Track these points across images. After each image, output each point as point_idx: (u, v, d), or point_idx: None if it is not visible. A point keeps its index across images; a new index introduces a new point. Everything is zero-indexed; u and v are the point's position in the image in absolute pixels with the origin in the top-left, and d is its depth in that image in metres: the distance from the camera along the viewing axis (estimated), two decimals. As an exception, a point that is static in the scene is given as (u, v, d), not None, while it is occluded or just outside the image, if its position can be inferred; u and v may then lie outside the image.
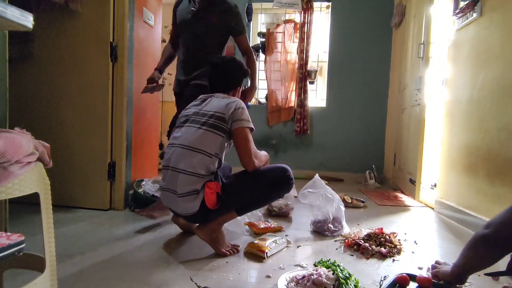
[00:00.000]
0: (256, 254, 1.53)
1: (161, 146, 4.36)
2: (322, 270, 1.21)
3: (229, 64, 1.71)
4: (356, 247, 1.64)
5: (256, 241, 1.60)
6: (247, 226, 1.89)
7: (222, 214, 1.53)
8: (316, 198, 1.94)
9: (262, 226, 1.88)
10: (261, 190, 1.55)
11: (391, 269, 1.44)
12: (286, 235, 1.82)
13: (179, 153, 1.49)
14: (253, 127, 1.56)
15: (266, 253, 1.52)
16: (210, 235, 1.54)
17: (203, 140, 1.47)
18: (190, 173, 1.44)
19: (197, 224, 1.60)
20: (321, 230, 1.87)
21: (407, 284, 1.23)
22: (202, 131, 1.49)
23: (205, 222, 1.55)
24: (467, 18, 2.20)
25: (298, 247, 1.69)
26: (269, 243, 1.57)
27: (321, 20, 4.17)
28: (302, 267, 1.42)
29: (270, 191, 1.57)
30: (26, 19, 0.92)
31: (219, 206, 1.48)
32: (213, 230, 1.54)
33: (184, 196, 1.44)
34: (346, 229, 1.89)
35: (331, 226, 1.86)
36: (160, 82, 2.15)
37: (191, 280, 1.25)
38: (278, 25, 4.12)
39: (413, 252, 1.65)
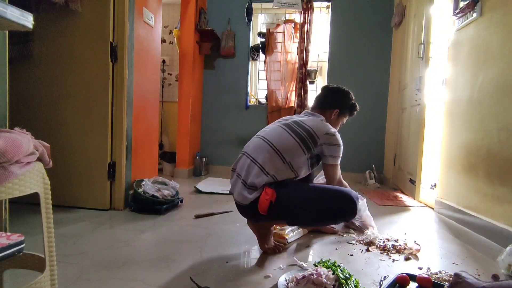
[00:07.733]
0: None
1: (161, 146, 4.34)
2: (322, 270, 1.21)
3: (336, 87, 1.87)
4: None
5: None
6: None
7: (271, 220, 1.56)
8: None
9: None
10: (318, 216, 1.52)
11: (391, 269, 1.44)
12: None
13: (260, 147, 1.58)
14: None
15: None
16: (259, 230, 1.61)
17: (289, 150, 1.56)
18: (262, 170, 1.52)
19: None
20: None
21: (407, 284, 1.23)
22: (292, 139, 1.58)
23: (254, 220, 1.59)
24: (467, 18, 2.20)
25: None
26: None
27: (321, 20, 4.17)
28: (302, 267, 1.42)
29: (328, 220, 1.59)
30: (26, 19, 0.92)
31: (268, 214, 1.47)
32: (262, 226, 1.61)
33: (248, 188, 1.52)
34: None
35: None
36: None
37: (191, 280, 1.25)
38: (278, 25, 4.12)
39: (413, 252, 1.65)
